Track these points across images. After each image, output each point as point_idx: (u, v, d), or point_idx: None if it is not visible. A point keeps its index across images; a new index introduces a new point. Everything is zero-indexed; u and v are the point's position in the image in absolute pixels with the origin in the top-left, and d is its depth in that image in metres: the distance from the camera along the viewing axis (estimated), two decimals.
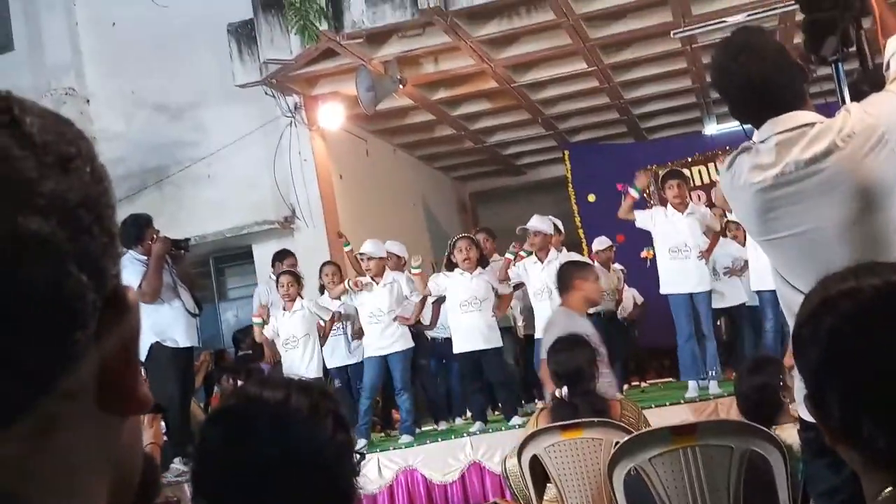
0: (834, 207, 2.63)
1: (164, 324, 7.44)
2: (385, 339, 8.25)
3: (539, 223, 8.54)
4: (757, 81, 2.72)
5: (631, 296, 10.54)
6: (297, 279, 8.62)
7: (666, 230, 8.11)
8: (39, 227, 0.56)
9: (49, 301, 0.56)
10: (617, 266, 10.08)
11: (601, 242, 10.08)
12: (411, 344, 8.40)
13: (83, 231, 0.59)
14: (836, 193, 2.62)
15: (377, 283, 8.34)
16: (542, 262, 8.41)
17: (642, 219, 8.25)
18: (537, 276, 8.38)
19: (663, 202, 8.71)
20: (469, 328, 8.19)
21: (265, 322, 8.61)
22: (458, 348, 8.34)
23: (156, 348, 7.31)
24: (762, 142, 2.73)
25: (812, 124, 2.68)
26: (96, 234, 0.60)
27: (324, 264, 9.24)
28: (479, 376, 8.36)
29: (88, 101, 11.56)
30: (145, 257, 7.34)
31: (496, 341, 8.25)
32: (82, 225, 0.59)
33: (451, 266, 8.46)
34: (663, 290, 8.14)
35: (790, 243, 2.71)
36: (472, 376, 8.37)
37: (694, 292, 8.05)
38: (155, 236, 7.45)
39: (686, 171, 12.51)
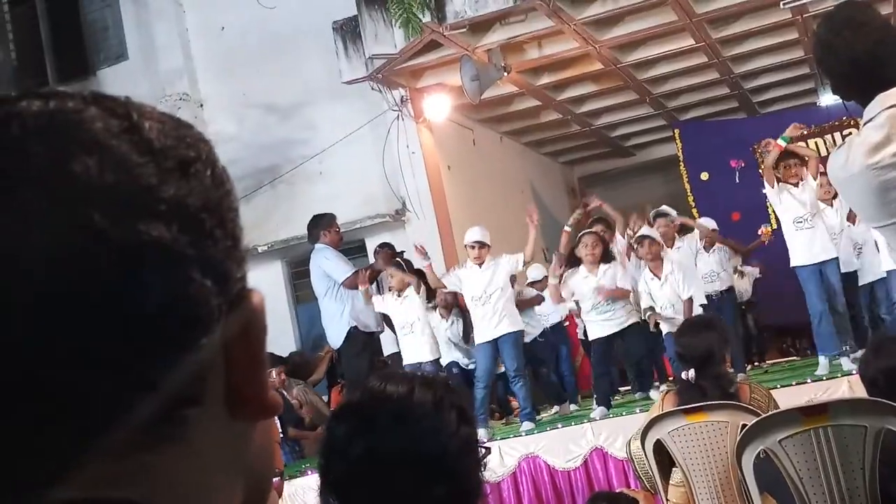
0: None
1: (359, 310, 8.93)
2: (492, 320, 7.98)
3: (647, 230, 8.43)
4: (863, 58, 2.55)
5: (747, 277, 10.25)
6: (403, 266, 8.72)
7: (787, 203, 7.87)
8: (160, 233, 0.55)
9: (173, 308, 0.56)
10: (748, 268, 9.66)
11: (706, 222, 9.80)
12: (521, 326, 8.16)
13: (205, 236, 0.58)
14: None
15: (480, 268, 8.10)
16: (660, 278, 8.10)
17: (771, 193, 8.02)
18: (658, 292, 8.11)
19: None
20: (604, 321, 8.09)
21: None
22: (592, 335, 8.26)
23: (353, 332, 8.89)
24: (870, 120, 2.59)
25: None
26: (219, 237, 0.59)
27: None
28: (609, 362, 8.27)
29: (202, 105, 11.84)
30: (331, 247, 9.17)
31: (634, 318, 8.12)
32: (204, 229, 0.58)
33: (573, 261, 8.25)
34: (792, 262, 7.90)
35: None
36: (602, 362, 8.23)
37: (822, 261, 7.75)
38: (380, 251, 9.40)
39: (803, 144, 12.24)
